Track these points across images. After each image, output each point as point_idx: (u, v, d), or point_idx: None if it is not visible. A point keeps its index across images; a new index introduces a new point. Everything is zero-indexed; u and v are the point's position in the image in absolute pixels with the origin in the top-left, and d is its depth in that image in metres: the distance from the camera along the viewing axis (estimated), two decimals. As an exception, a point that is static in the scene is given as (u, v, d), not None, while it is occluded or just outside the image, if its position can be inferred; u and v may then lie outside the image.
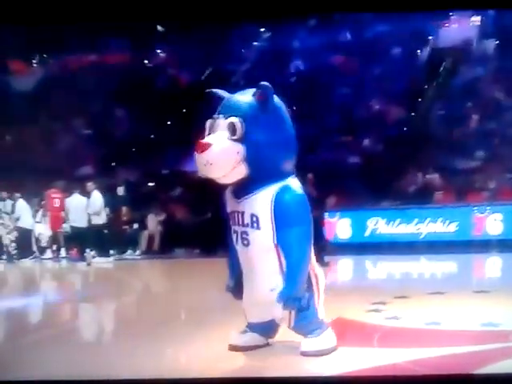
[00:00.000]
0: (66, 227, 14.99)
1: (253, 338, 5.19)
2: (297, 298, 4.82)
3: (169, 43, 19.25)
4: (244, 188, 4.91)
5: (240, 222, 4.95)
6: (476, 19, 18.27)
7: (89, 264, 13.56)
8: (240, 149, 4.76)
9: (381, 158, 15.68)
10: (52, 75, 20.34)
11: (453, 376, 4.30)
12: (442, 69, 17.91)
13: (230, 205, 5.05)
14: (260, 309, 5.07)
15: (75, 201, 13.80)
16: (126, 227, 15.82)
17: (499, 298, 7.17)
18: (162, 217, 15.79)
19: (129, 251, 15.45)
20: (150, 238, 15.55)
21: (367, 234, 14.14)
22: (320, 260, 5.64)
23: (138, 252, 15.46)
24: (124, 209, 16.04)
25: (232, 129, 4.77)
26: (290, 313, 4.93)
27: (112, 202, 16.09)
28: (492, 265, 12.12)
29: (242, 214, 4.93)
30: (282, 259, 4.88)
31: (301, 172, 5.18)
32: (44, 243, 15.39)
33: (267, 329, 5.20)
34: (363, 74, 18.12)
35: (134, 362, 5.05)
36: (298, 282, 4.85)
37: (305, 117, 13.36)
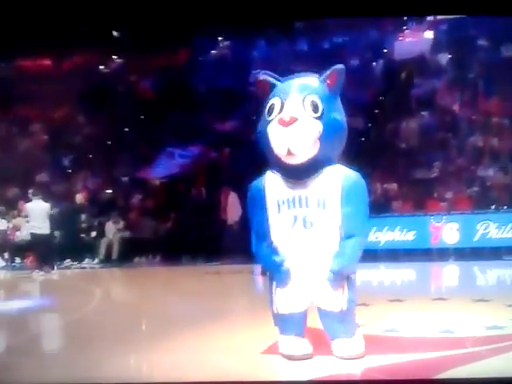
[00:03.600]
0: (25, 234, 14.67)
1: (307, 345, 5.08)
2: (344, 274, 4.86)
3: (127, 49, 19.08)
4: (308, 169, 4.82)
5: (303, 204, 4.85)
6: (429, 32, 18.60)
7: (47, 272, 13.32)
8: (320, 127, 4.75)
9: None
10: (9, 77, 19.97)
11: (411, 381, 4.38)
12: (398, 80, 18.16)
13: (286, 188, 4.90)
14: (304, 295, 4.97)
15: (36, 206, 13.50)
16: (84, 235, 15.61)
17: (456, 306, 7.31)
18: (121, 224, 15.64)
19: (86, 259, 15.23)
20: (109, 246, 15.37)
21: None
22: None
23: (96, 260, 15.27)
24: (82, 216, 15.82)
25: (313, 106, 4.76)
26: (343, 293, 4.88)
27: (69, 209, 15.88)
28: (449, 273, 12.32)
29: (306, 195, 4.85)
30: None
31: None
32: None
33: (299, 324, 5.08)
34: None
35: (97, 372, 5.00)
36: (353, 260, 4.96)
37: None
